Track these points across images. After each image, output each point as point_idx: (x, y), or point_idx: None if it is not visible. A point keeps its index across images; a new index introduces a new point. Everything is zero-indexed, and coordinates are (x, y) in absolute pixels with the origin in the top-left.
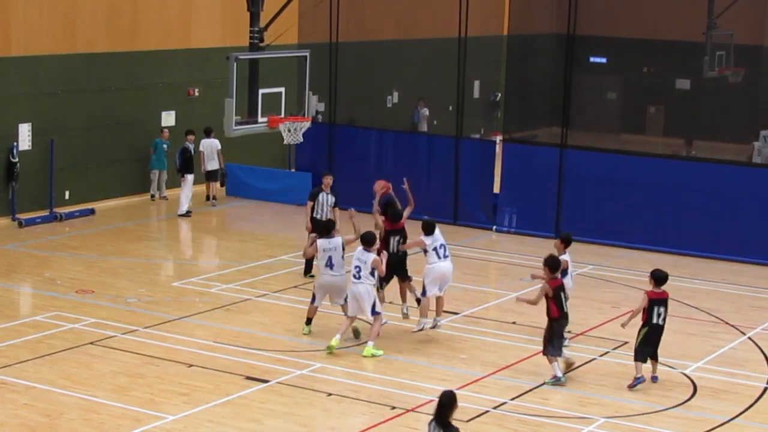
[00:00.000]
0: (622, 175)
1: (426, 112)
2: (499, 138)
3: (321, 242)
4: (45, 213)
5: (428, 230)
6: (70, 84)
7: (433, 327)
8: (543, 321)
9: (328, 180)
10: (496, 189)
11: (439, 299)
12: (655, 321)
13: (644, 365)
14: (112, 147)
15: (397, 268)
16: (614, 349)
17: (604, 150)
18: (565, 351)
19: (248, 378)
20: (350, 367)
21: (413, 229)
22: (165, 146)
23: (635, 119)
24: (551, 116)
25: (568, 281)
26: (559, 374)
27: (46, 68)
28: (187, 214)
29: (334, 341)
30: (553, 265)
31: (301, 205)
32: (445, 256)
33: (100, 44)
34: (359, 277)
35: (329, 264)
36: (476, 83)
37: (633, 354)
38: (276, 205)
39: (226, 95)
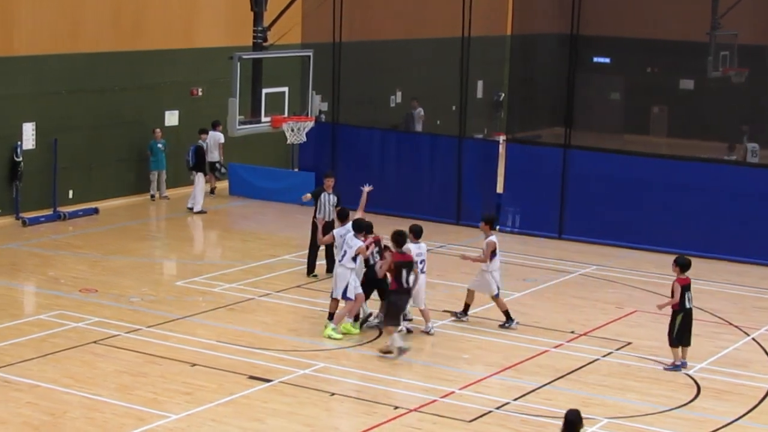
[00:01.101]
0: (626, 175)
1: (420, 112)
2: (502, 138)
3: (338, 230)
4: (49, 212)
5: (416, 236)
6: (74, 83)
7: (427, 332)
8: (547, 321)
9: (329, 181)
10: (500, 189)
11: (422, 311)
12: (687, 306)
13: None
14: (115, 146)
15: (375, 282)
16: (618, 349)
17: (607, 150)
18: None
19: (251, 377)
20: (353, 366)
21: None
22: (160, 146)
23: (639, 119)
24: (555, 116)
25: (496, 261)
26: (400, 343)
27: (49, 68)
28: (202, 211)
29: (348, 326)
30: (398, 240)
31: (305, 205)
32: (423, 271)
33: (104, 44)
34: (341, 260)
35: (343, 255)
36: (479, 83)
37: (669, 340)
38: (279, 205)
39: (230, 95)
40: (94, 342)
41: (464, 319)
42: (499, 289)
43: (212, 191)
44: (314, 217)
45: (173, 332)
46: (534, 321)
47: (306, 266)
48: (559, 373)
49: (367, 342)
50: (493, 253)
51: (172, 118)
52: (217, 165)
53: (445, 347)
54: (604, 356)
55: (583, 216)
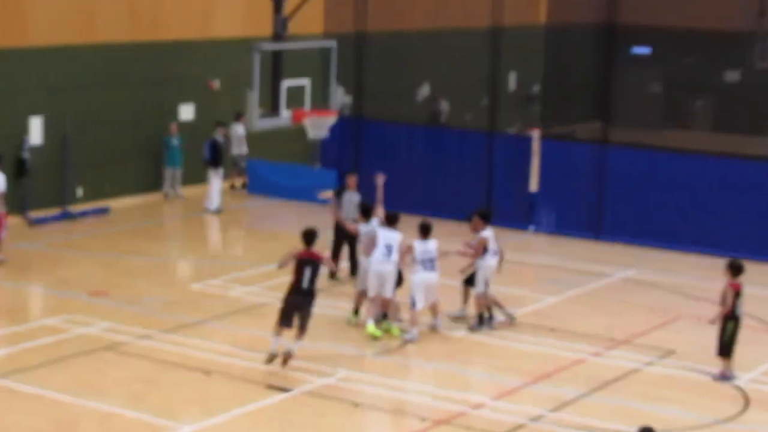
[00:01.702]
0: (667, 173)
1: (446, 106)
2: (536, 134)
3: (363, 227)
4: (57, 211)
5: (423, 232)
6: (85, 76)
7: (434, 328)
8: (584, 327)
9: (352, 180)
10: (533, 187)
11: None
12: (738, 312)
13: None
14: (127, 142)
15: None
16: (660, 358)
17: (646, 147)
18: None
19: (269, 386)
20: (377, 374)
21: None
22: (175, 141)
23: (681, 114)
24: (591, 111)
25: (489, 259)
26: (272, 347)
27: (60, 60)
28: (219, 211)
29: (371, 329)
30: (306, 239)
31: (325, 203)
32: (432, 269)
33: (118, 35)
34: (390, 256)
35: (389, 253)
36: (512, 75)
37: (718, 349)
38: (299, 204)
39: (249, 88)
40: (105, 348)
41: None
42: (486, 288)
43: (243, 186)
44: (335, 215)
45: (188, 337)
46: (570, 327)
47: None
48: (598, 383)
49: (391, 349)
50: (485, 250)
51: (187, 111)
52: (237, 160)
53: (475, 354)
54: (646, 365)
55: (622, 216)
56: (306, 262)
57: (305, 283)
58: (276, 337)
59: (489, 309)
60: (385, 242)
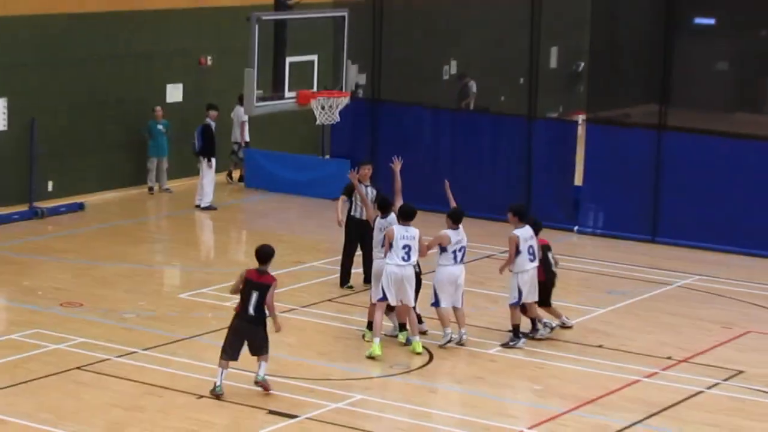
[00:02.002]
0: (735, 163)
1: (473, 87)
2: (581, 118)
3: (379, 222)
4: (23, 208)
5: (457, 220)
6: (56, 51)
7: (459, 341)
8: (638, 344)
9: (366, 170)
10: (578, 181)
11: (458, 311)
12: None
13: None
14: (105, 128)
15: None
16: (726, 379)
17: (712, 132)
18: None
19: (271, 412)
20: (397, 399)
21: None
22: (161, 127)
23: (751, 95)
24: (646, 91)
25: (524, 263)
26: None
27: (25, 31)
28: (211, 207)
29: (376, 348)
30: (260, 255)
31: (336, 199)
32: (462, 261)
33: (92, 2)
34: (407, 259)
35: (407, 254)
36: (553, 50)
37: None
38: (306, 200)
39: (246, 65)
40: (79, 368)
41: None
42: (521, 297)
43: (237, 178)
44: (347, 215)
45: (176, 356)
46: (621, 344)
47: (339, 275)
48: (653, 409)
49: (415, 369)
50: (517, 252)
51: (175, 93)
52: (234, 148)
53: (510, 375)
54: (710, 388)
55: (683, 214)
56: (254, 285)
57: (251, 309)
58: (221, 370)
59: (534, 321)
60: (404, 242)
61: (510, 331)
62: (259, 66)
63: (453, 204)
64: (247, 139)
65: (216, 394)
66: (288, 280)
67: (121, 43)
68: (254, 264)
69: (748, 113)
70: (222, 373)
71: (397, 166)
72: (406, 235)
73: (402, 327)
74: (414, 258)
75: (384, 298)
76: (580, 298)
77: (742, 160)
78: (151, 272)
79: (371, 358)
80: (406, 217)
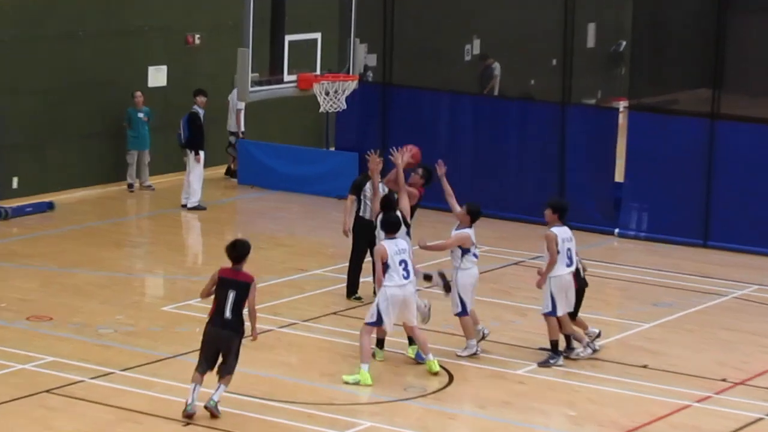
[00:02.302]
0: None
1: (497, 69)
2: (623, 104)
3: (389, 244)
4: None
5: (475, 217)
6: (22, 28)
7: (483, 338)
8: (688, 364)
9: (376, 164)
10: (619, 177)
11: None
12: None
13: None
14: (79, 117)
15: None
16: None
17: None
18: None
19: None
20: (410, 426)
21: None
22: (142, 115)
23: None
24: (697, 74)
25: (560, 269)
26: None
27: None
28: (200, 207)
29: (366, 376)
30: (232, 253)
31: (342, 197)
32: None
33: None
34: (408, 276)
35: (405, 270)
36: (591, 27)
37: None
38: (308, 198)
39: (239, 44)
40: (47, 391)
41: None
42: (555, 305)
43: (230, 173)
44: (355, 216)
45: (158, 377)
46: (669, 364)
47: (346, 285)
48: None
49: (432, 392)
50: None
51: (158, 76)
52: (231, 139)
53: (541, 399)
54: None
55: (738, 215)
56: (228, 283)
57: (227, 312)
58: (194, 384)
59: (569, 337)
60: (399, 258)
61: (545, 349)
62: (254, 46)
63: (449, 191)
64: (242, 128)
65: (188, 414)
66: (287, 291)
67: (99, 18)
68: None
69: None
70: (195, 388)
71: (441, 168)
72: (398, 249)
73: (410, 341)
74: (412, 275)
75: (377, 323)
76: (621, 311)
77: None
78: (131, 281)
79: (356, 383)
80: (390, 229)
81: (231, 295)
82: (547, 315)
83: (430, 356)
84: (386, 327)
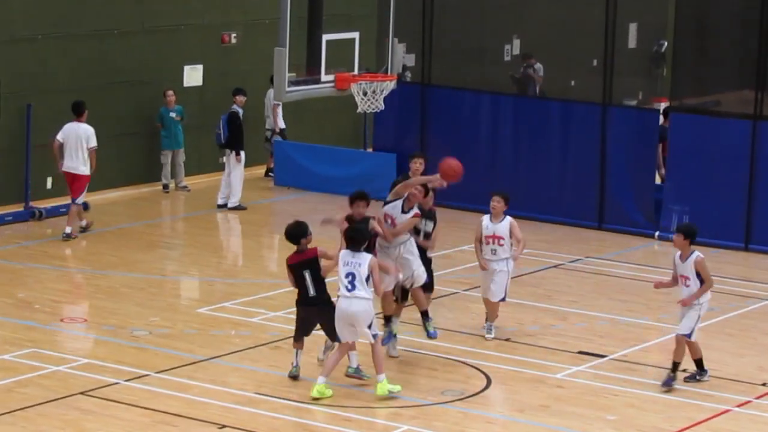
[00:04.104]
0: None
1: (539, 69)
2: (664, 105)
3: (345, 253)
4: (18, 208)
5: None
6: (54, 26)
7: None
8: (729, 368)
9: (418, 164)
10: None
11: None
12: None
13: None
14: (112, 116)
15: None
16: None
17: None
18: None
19: None
20: (449, 430)
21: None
22: (174, 115)
23: None
24: (741, 75)
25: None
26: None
27: (19, 4)
28: (240, 207)
29: (322, 388)
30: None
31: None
32: None
33: None
34: (352, 289)
35: (351, 283)
36: (632, 27)
37: None
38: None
39: (276, 43)
40: (82, 393)
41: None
42: (693, 332)
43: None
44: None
45: (194, 380)
46: (710, 368)
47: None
48: None
49: (470, 396)
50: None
51: (193, 75)
52: (267, 135)
53: (580, 403)
54: None
55: None
56: (299, 266)
57: (311, 290)
58: (296, 350)
59: (700, 362)
60: (346, 270)
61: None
62: (291, 45)
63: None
64: (282, 125)
65: (292, 376)
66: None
67: (132, 16)
68: (283, 277)
69: None
70: (297, 354)
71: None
72: (352, 261)
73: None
74: (361, 289)
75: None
76: (662, 315)
77: None
78: (166, 283)
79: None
80: (349, 241)
81: (307, 275)
82: (685, 337)
83: (382, 377)
84: (340, 339)
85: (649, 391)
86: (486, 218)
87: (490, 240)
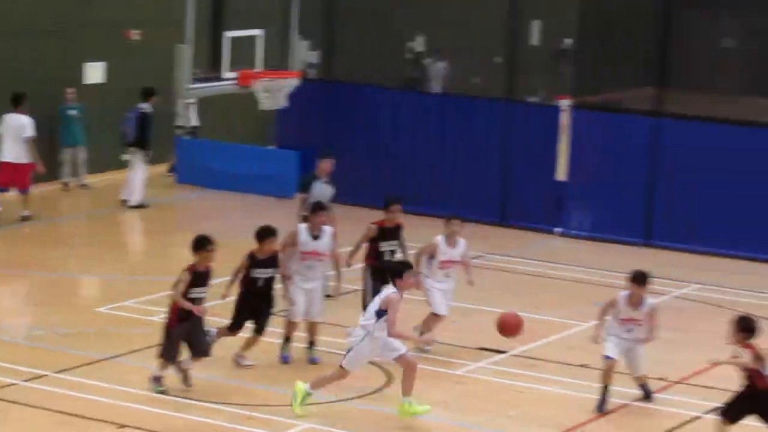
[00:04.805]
0: (744, 156)
1: (442, 66)
2: (566, 102)
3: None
4: None
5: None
6: None
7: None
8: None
9: (326, 164)
10: (561, 175)
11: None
12: None
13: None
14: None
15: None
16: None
17: (717, 120)
18: None
19: None
20: (347, 428)
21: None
22: (74, 112)
23: (763, 76)
24: (641, 72)
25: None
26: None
27: None
28: (142, 205)
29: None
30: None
31: (283, 197)
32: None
33: None
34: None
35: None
36: (535, 25)
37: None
38: (249, 198)
39: (180, 40)
40: None
41: None
42: None
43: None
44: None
45: (94, 380)
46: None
47: None
48: None
49: (370, 393)
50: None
51: (94, 72)
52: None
53: (482, 400)
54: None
55: (681, 214)
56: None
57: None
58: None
59: None
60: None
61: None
62: (195, 41)
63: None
64: (195, 122)
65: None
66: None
67: (31, 12)
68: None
69: (759, 97)
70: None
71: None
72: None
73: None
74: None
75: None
76: (562, 311)
77: (753, 152)
78: (65, 281)
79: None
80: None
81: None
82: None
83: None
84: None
85: (550, 387)
86: (442, 242)
87: (447, 265)
